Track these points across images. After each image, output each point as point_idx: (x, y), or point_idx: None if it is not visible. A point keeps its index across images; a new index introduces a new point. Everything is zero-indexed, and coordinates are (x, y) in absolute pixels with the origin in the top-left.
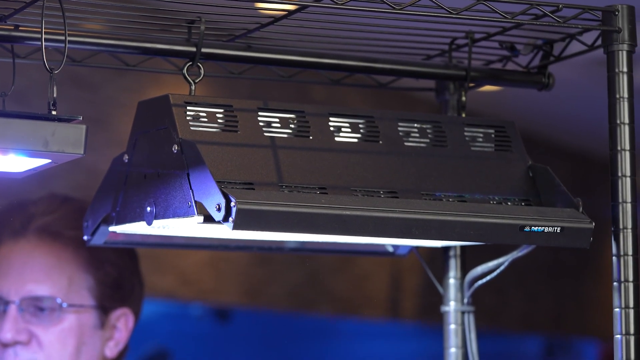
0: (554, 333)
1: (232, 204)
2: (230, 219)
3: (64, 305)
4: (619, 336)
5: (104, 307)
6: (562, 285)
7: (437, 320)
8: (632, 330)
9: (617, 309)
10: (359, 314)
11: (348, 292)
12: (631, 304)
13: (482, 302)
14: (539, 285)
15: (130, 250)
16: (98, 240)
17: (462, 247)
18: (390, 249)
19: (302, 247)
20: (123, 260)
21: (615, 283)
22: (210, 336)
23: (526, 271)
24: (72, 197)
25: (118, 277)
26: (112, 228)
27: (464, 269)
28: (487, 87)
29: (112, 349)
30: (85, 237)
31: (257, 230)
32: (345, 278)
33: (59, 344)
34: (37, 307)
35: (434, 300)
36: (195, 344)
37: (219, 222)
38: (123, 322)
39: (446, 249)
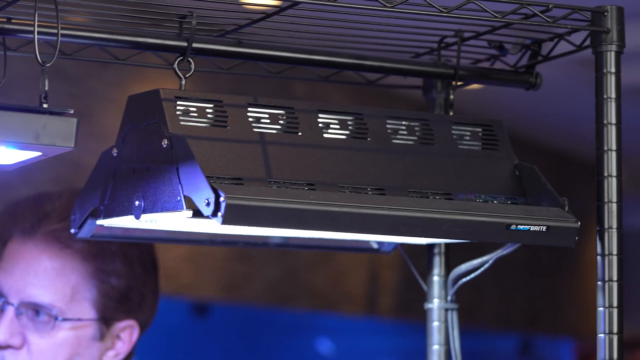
0: (530, 331)
1: (222, 199)
2: (219, 213)
3: (59, 319)
4: (602, 335)
5: (106, 319)
6: (538, 284)
7: (414, 317)
8: (615, 330)
9: (600, 308)
10: (337, 310)
11: (326, 288)
12: (615, 304)
13: (458, 299)
14: (515, 283)
15: (145, 261)
16: (85, 233)
17: (446, 244)
18: (375, 246)
19: (287, 243)
20: (133, 271)
21: (599, 282)
22: (188, 330)
23: (503, 269)
24: None
25: (125, 289)
26: (99, 221)
27: (448, 267)
28: (471, 86)
29: (110, 359)
30: (72, 230)
31: (245, 225)
32: (323, 274)
33: (50, 353)
34: (34, 313)
35: (411, 297)
36: (173, 338)
37: (207, 217)
38: (127, 334)
39: (430, 247)
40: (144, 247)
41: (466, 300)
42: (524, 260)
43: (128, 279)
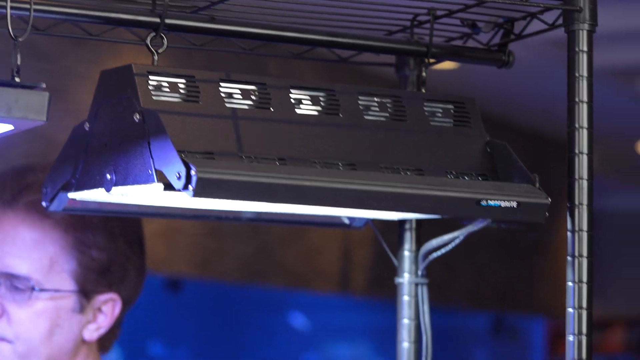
0: (502, 309)
1: (192, 172)
2: (190, 187)
3: (36, 289)
4: (571, 310)
5: (86, 292)
6: (511, 261)
7: (386, 294)
8: (584, 305)
9: (570, 283)
10: (310, 287)
11: (299, 265)
12: (584, 279)
13: (429, 276)
14: (487, 260)
15: (130, 236)
16: (56, 206)
17: (417, 220)
18: (346, 221)
19: (259, 218)
20: (116, 245)
21: (569, 258)
22: (162, 306)
23: (475, 246)
24: None
25: (106, 262)
26: (71, 195)
27: (419, 242)
28: (443, 65)
29: (91, 333)
30: (43, 204)
31: (216, 198)
32: (296, 250)
33: (30, 323)
34: (12, 284)
35: (384, 273)
36: (146, 314)
37: (178, 190)
38: (110, 307)
39: (402, 222)
40: (129, 222)
41: (438, 277)
42: (497, 238)
43: (110, 252)
